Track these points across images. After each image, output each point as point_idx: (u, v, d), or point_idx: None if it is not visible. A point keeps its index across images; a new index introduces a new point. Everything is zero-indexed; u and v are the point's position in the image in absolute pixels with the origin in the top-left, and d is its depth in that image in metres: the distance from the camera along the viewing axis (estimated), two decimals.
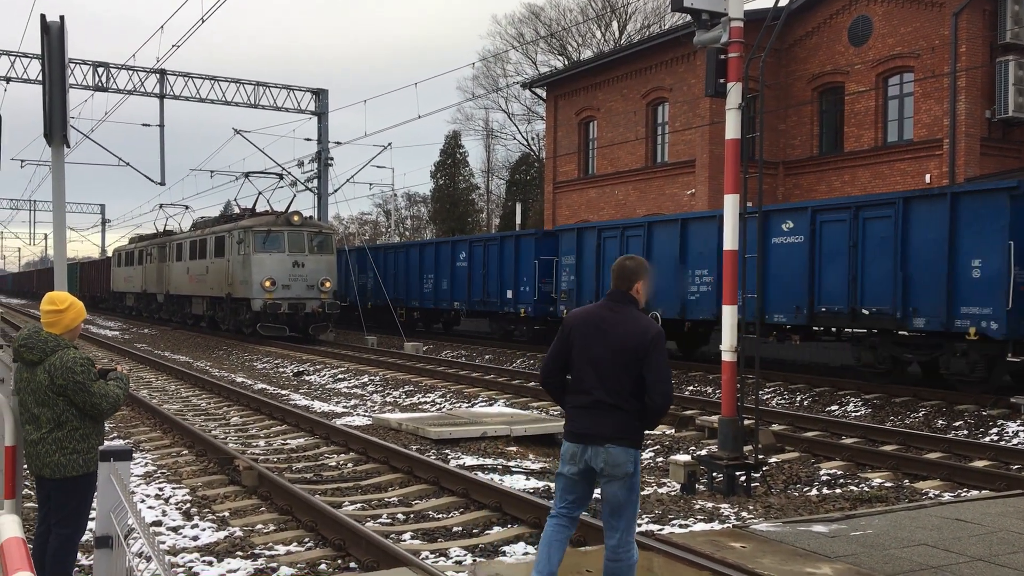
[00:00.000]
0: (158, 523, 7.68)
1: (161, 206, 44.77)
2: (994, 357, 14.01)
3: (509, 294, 25.44)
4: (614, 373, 4.40)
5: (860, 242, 15.46)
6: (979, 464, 10.28)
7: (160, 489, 8.94)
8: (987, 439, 11.95)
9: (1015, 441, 11.81)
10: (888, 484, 9.45)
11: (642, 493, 8.92)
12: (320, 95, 37.81)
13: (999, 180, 17.73)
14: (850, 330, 16.20)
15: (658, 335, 4.40)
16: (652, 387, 4.36)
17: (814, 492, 9.18)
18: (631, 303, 4.53)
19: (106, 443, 4.04)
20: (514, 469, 10.05)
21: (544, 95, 38.59)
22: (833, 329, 16.72)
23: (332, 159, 37.69)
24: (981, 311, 13.62)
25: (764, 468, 9.58)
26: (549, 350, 4.69)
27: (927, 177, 24.88)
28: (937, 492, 9.07)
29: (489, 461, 10.44)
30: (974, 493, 8.80)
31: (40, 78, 8.30)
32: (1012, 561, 5.65)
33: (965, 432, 12.49)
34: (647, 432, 4.41)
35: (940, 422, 13.13)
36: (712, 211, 20.59)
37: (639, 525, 4.04)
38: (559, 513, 4.67)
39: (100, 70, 34.06)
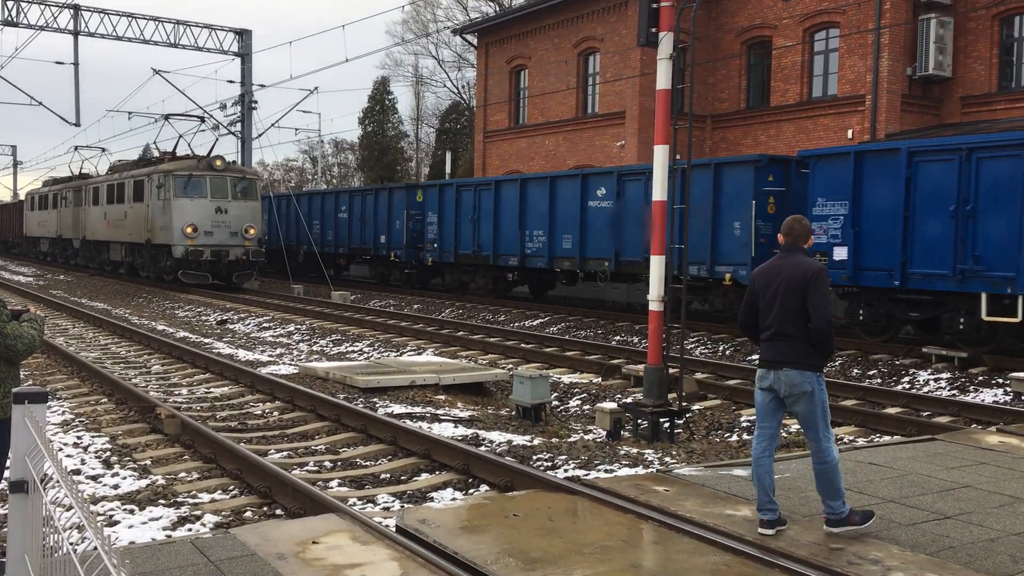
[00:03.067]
0: (77, 472, 7.51)
1: (76, 148, 43.16)
2: None
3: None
4: (785, 304, 5.22)
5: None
6: (891, 411, 10.68)
7: (79, 438, 8.73)
8: (899, 387, 12.41)
9: (925, 389, 12.29)
10: None
11: (569, 440, 9.05)
12: (243, 35, 36.67)
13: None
14: None
15: (819, 271, 5.21)
16: (812, 313, 5.13)
17: (735, 438, 9.43)
18: (799, 251, 5.38)
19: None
20: (443, 417, 10.08)
21: (475, 42, 38.10)
22: None
23: (256, 102, 36.72)
24: None
25: (687, 415, 9.80)
26: (744, 301, 5.59)
27: (849, 133, 25.39)
28: (852, 437, 9.40)
29: (418, 409, 10.45)
30: (887, 438, 9.15)
31: None
32: (921, 502, 5.90)
33: (879, 380, 12.95)
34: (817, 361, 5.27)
35: (855, 371, 13.58)
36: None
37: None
38: (758, 435, 5.45)
39: (10, 4, 32.41)
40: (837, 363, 14.07)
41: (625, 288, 22.71)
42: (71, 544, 2.25)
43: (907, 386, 12.51)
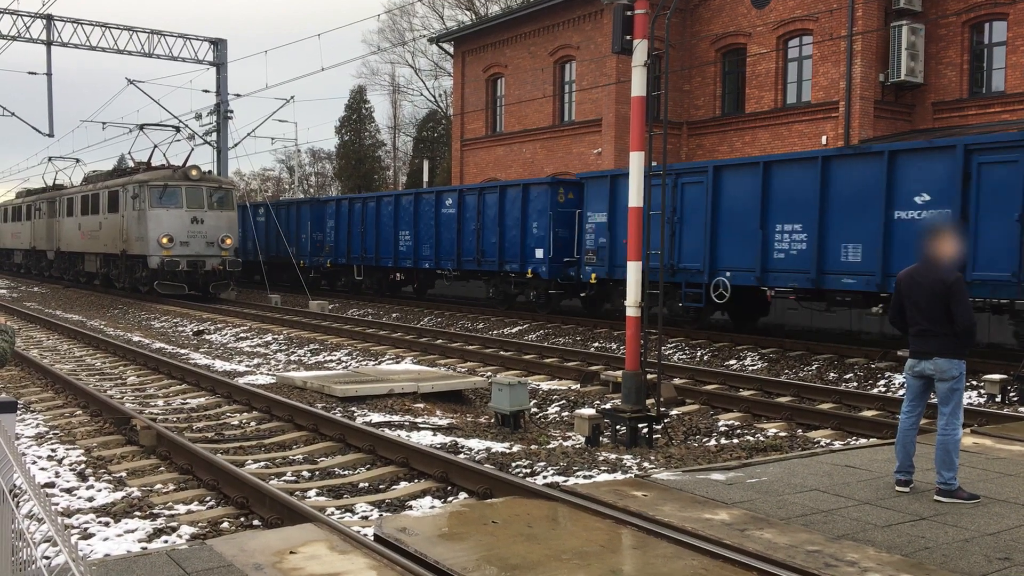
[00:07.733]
0: (51, 484, 7.43)
1: (50, 159, 42.78)
2: None
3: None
4: (931, 309, 6.16)
5: None
6: (867, 414, 10.76)
7: (53, 450, 8.64)
8: (875, 390, 12.51)
9: (900, 392, 12.38)
10: (782, 434, 9.81)
11: (548, 447, 9.06)
12: (218, 45, 36.53)
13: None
14: None
15: (957, 280, 6.14)
16: (957, 317, 6.07)
17: (712, 442, 9.46)
18: (937, 260, 6.22)
19: None
20: (421, 425, 10.05)
21: (451, 51, 38.13)
22: None
23: (232, 112, 36.61)
24: None
25: (665, 420, 9.83)
26: (891, 301, 6.61)
27: (823, 139, 25.60)
28: (828, 440, 9.46)
29: (396, 418, 10.42)
30: (862, 441, 9.21)
31: None
32: (896, 504, 5.95)
33: (855, 384, 13.05)
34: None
35: (832, 374, 13.67)
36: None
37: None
38: (906, 411, 6.42)
39: None
40: (814, 367, 14.17)
41: (485, 287, 25.07)
42: (44, 558, 2.23)
43: (883, 389, 12.60)
